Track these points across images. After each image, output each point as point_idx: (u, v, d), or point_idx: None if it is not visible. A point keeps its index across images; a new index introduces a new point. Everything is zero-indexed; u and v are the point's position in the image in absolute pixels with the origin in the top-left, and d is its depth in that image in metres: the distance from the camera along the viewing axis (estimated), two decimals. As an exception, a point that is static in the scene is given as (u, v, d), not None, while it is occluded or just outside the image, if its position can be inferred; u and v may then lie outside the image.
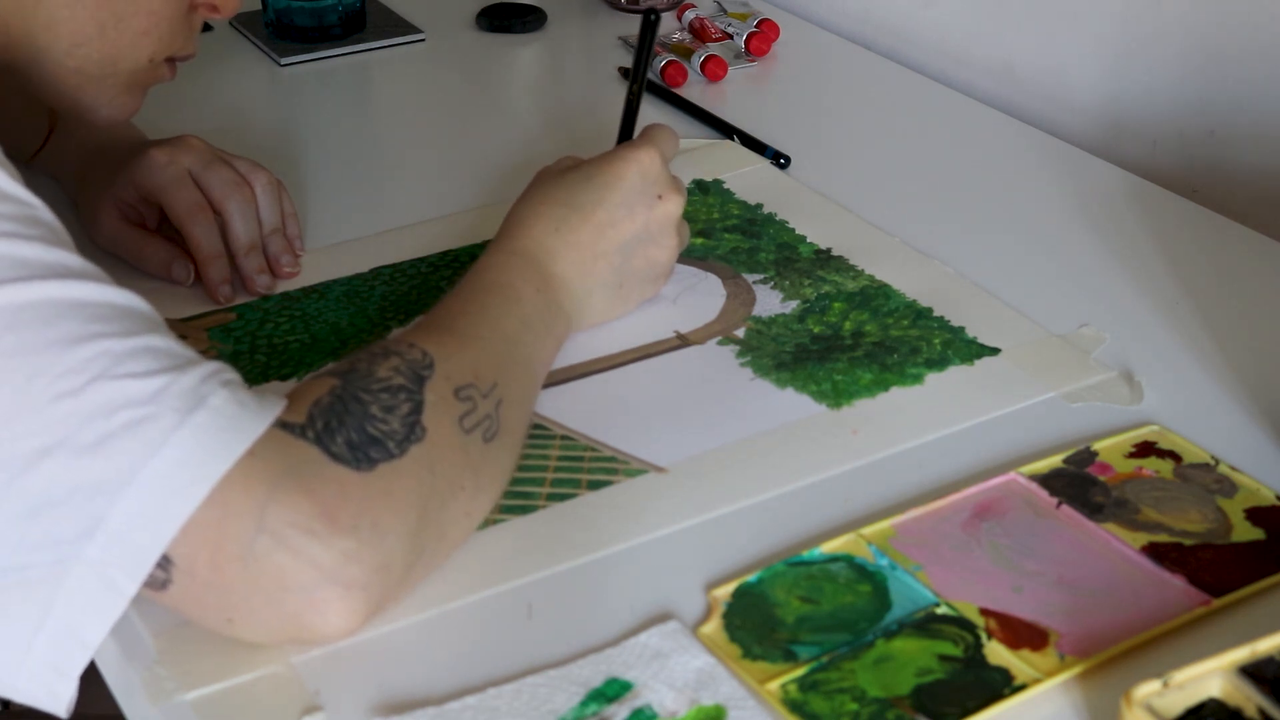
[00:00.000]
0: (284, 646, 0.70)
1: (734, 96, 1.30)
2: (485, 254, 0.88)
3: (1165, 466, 0.83)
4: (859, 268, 1.02)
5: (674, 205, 0.93)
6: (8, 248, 0.66)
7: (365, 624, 0.70)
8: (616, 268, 0.92)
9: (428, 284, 1.00)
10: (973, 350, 0.93)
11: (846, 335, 0.95)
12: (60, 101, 0.88)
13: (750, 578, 0.75)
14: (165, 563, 0.65)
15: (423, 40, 1.41)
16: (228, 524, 0.65)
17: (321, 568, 0.66)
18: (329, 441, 0.69)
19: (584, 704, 0.68)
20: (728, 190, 1.12)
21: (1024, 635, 0.71)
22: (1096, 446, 0.84)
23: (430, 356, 0.75)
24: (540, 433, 0.86)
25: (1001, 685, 0.69)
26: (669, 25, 1.42)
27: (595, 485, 0.82)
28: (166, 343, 0.68)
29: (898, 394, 0.89)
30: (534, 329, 0.85)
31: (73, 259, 0.68)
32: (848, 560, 0.76)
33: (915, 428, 0.86)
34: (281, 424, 0.68)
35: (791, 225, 1.07)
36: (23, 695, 0.66)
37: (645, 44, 0.98)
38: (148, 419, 0.64)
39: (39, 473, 0.64)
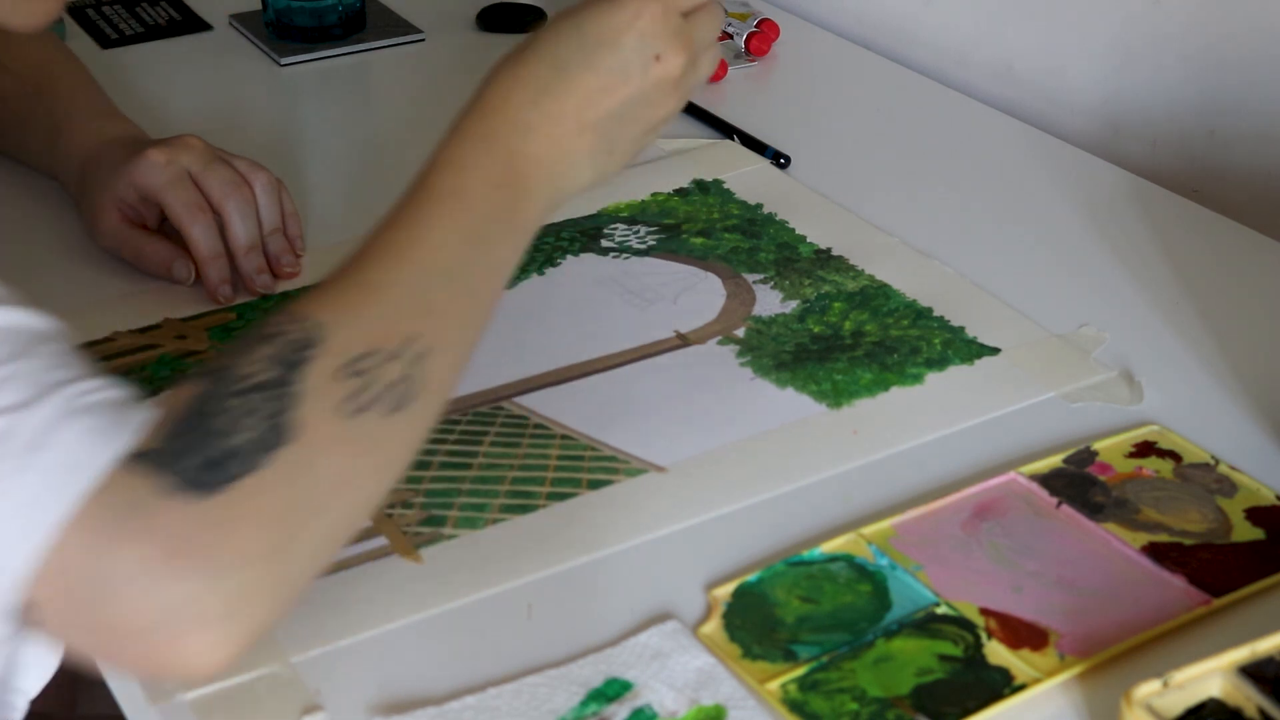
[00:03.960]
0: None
1: (734, 96, 1.30)
2: (445, 144, 0.78)
3: (1165, 466, 0.83)
4: (859, 268, 1.02)
5: (673, 66, 0.79)
6: None
7: (242, 654, 0.63)
8: (606, 135, 0.79)
9: (428, 284, 1.00)
10: (973, 350, 0.93)
11: (846, 335, 0.95)
12: None
13: (750, 578, 0.75)
14: (31, 604, 0.62)
15: (423, 40, 1.41)
16: (72, 570, 0.61)
17: (170, 608, 0.61)
18: (180, 466, 0.63)
19: (584, 704, 0.68)
20: (728, 190, 1.12)
21: (1024, 635, 0.71)
22: (1096, 446, 0.84)
23: (320, 330, 0.67)
24: (540, 433, 0.86)
25: (1001, 685, 0.68)
26: (669, 25, 1.42)
27: (595, 485, 0.82)
28: (31, 366, 0.63)
29: (898, 394, 0.89)
30: (486, 239, 0.75)
31: None
32: (848, 560, 0.76)
33: (915, 428, 0.86)
34: (133, 454, 0.63)
35: (791, 225, 1.07)
36: None
37: None
38: None
39: None
